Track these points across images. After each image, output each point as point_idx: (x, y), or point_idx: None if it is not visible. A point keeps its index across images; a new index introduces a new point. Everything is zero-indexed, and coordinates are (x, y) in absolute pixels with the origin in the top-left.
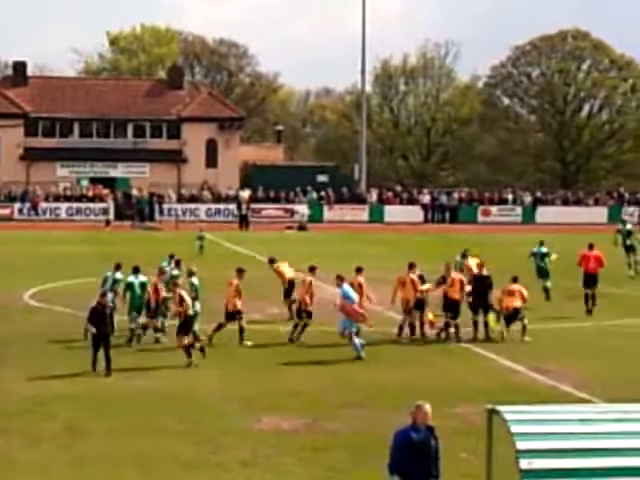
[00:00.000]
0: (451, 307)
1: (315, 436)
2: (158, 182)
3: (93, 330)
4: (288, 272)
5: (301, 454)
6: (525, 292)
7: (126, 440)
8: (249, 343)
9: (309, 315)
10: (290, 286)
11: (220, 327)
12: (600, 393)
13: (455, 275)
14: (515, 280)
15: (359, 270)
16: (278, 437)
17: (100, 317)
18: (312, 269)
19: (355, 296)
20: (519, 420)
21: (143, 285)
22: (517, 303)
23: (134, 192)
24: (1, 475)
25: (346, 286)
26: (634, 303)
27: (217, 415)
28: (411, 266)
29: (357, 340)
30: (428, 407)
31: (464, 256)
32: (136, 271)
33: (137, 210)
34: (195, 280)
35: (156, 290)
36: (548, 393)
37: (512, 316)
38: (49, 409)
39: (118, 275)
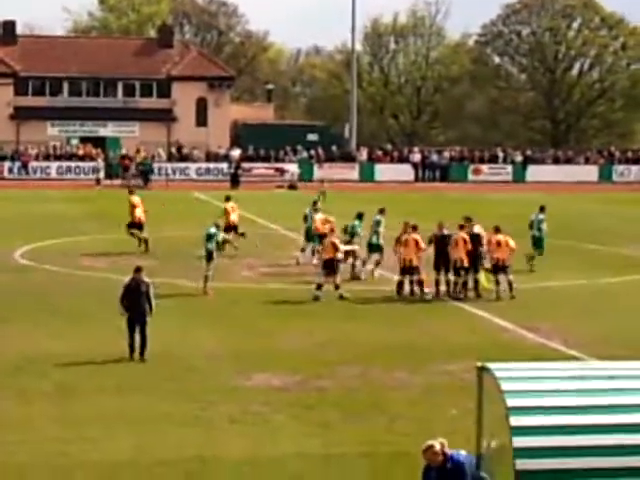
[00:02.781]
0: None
1: (306, 393)
2: (148, 141)
3: (125, 314)
4: None
5: (292, 411)
6: (512, 242)
7: (117, 398)
8: (429, 296)
9: None
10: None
11: (401, 284)
12: (590, 351)
13: (330, 239)
14: (498, 230)
15: (414, 228)
16: (268, 394)
17: (135, 295)
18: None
19: None
20: (509, 377)
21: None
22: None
23: (140, 153)
24: None
25: None
26: (628, 262)
27: (207, 373)
28: (415, 228)
29: None
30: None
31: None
32: (217, 227)
33: (141, 172)
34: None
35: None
36: (538, 351)
37: (501, 269)
38: (40, 367)
39: (212, 230)
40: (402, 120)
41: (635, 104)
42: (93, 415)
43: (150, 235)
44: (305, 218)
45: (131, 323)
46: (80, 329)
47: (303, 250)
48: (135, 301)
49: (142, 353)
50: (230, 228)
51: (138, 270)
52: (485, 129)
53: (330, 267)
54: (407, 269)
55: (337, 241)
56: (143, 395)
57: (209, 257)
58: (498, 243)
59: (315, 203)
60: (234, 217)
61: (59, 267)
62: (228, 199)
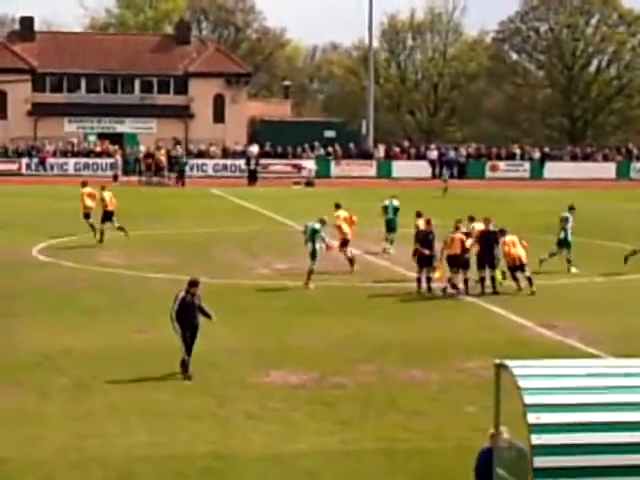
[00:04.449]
0: (454, 262)
1: (323, 390)
2: (165, 138)
3: (179, 332)
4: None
5: (309, 408)
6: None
7: (134, 394)
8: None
9: None
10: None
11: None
12: (608, 348)
13: (455, 234)
14: (503, 232)
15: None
16: (286, 391)
17: (191, 311)
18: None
19: None
20: (527, 375)
21: (315, 232)
22: (522, 253)
23: (176, 150)
24: (12, 428)
25: None
26: None
27: (225, 369)
28: (503, 232)
29: None
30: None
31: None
32: (322, 222)
33: (178, 170)
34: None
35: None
36: (556, 348)
37: (518, 267)
38: (58, 363)
39: (317, 226)
40: (419, 117)
41: None
42: (110, 410)
43: (168, 231)
44: (385, 209)
45: (186, 339)
46: (97, 325)
47: (387, 240)
48: (191, 316)
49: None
50: (108, 215)
51: (195, 284)
52: (502, 126)
53: (455, 263)
54: (517, 267)
55: (464, 237)
56: (160, 390)
57: (314, 253)
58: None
59: (393, 197)
60: (110, 206)
61: (76, 263)
62: (103, 189)
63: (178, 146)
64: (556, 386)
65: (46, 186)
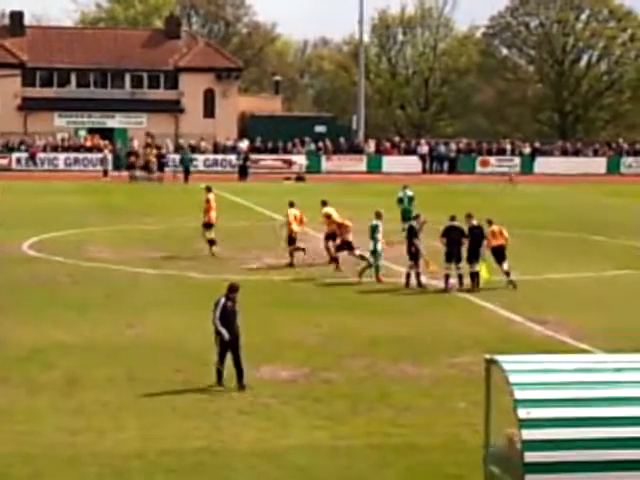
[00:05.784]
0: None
1: (314, 386)
2: (156, 132)
3: (227, 336)
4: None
5: (300, 403)
6: (505, 232)
7: (125, 389)
8: None
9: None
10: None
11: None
12: (599, 344)
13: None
14: (490, 223)
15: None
16: (277, 386)
17: (232, 318)
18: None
19: None
20: (517, 370)
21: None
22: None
23: (152, 149)
24: (1, 424)
25: None
26: (636, 254)
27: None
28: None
29: None
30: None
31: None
32: (378, 216)
33: (184, 167)
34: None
35: None
36: (546, 343)
37: (499, 255)
38: (48, 358)
39: (374, 222)
40: (410, 112)
41: None
42: (101, 406)
43: (158, 226)
44: (400, 200)
45: (225, 347)
46: (88, 320)
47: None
48: (231, 323)
49: (240, 380)
50: None
51: (235, 289)
52: (493, 121)
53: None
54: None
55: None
56: (151, 386)
57: (374, 250)
58: (493, 233)
59: (405, 187)
60: None
61: (67, 258)
62: None
63: (168, 140)
64: (546, 381)
65: (36, 181)
